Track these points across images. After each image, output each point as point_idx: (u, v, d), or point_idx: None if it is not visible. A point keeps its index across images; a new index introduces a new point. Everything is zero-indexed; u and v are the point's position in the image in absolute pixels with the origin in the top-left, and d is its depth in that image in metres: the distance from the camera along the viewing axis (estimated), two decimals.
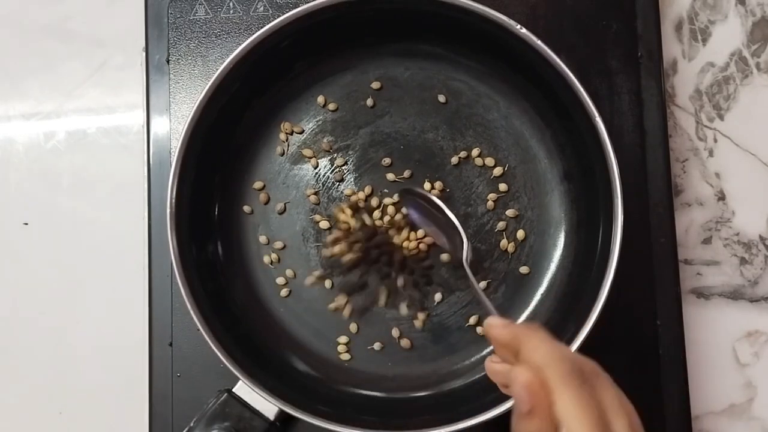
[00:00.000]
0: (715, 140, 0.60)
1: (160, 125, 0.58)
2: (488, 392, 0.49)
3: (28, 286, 0.61)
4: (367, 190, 0.57)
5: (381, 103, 0.58)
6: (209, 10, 0.59)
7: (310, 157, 0.58)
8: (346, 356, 0.56)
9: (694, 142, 0.60)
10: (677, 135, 0.60)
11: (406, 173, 0.57)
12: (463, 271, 0.50)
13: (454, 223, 0.52)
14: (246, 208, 0.58)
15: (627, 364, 0.55)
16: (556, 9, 0.58)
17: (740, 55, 0.61)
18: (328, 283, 0.56)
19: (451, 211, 0.57)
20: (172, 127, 0.58)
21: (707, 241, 0.59)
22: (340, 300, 0.56)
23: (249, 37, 0.52)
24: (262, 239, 0.58)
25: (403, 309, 0.56)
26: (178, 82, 0.59)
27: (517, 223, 0.57)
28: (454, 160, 0.57)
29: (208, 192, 0.57)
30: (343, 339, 0.56)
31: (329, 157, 0.58)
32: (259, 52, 0.52)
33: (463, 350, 0.56)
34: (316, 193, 0.58)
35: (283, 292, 0.57)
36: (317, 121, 0.59)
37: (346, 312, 0.56)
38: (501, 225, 0.57)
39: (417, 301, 0.56)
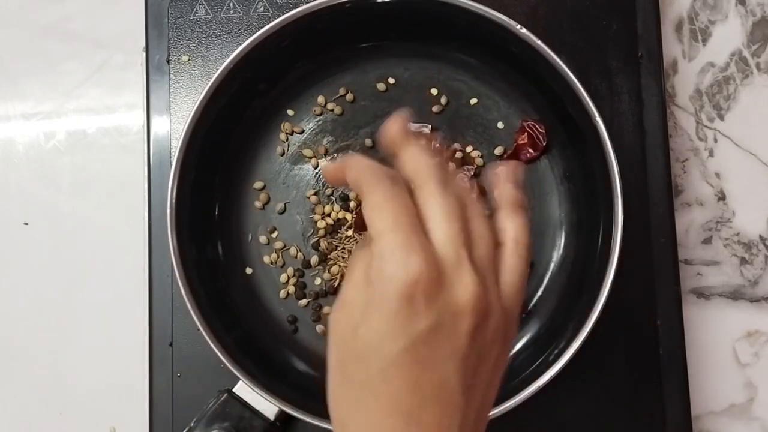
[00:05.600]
0: (715, 140, 0.60)
1: (160, 125, 0.58)
2: None
3: (28, 286, 0.61)
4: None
5: (381, 103, 0.58)
6: (209, 10, 0.59)
7: (310, 157, 0.58)
8: None
9: (694, 142, 0.60)
10: (677, 135, 0.60)
11: None
12: None
13: None
14: (246, 208, 0.58)
15: (627, 364, 0.55)
16: (556, 9, 0.58)
17: (740, 55, 0.61)
18: (335, 269, 0.57)
19: None
20: (172, 127, 0.58)
21: (707, 241, 0.59)
22: None
23: (249, 37, 0.52)
24: (262, 239, 0.58)
25: None
26: (178, 82, 0.59)
27: None
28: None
29: (208, 192, 0.57)
30: None
31: (329, 157, 0.58)
32: (259, 52, 0.52)
33: None
34: (316, 193, 0.58)
35: (283, 292, 0.57)
36: (317, 121, 0.59)
37: None
38: None
39: None
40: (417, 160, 0.33)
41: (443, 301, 0.30)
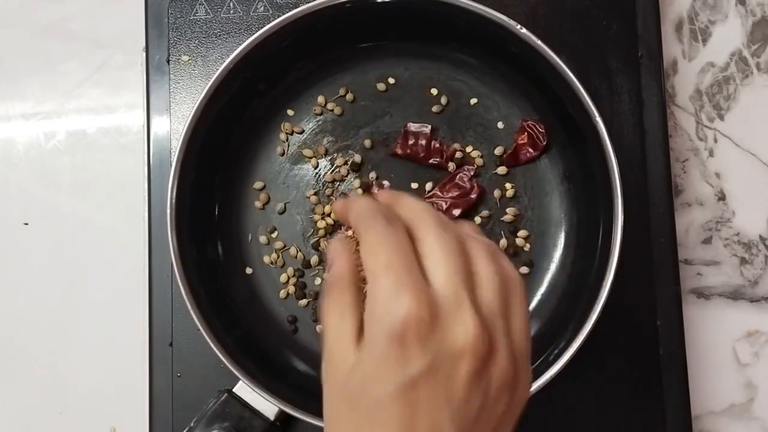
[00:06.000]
0: (715, 140, 0.60)
1: (160, 125, 0.58)
2: None
3: (28, 286, 0.61)
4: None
5: (381, 103, 0.58)
6: (209, 10, 0.59)
7: (310, 157, 0.58)
8: None
9: (694, 142, 0.60)
10: (677, 135, 0.60)
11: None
12: None
13: None
14: (246, 208, 0.58)
15: (627, 364, 0.55)
16: (556, 9, 0.58)
17: (740, 55, 0.61)
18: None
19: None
20: (172, 127, 0.58)
21: (707, 241, 0.59)
22: None
23: (249, 37, 0.52)
24: (262, 239, 0.58)
25: None
26: (178, 82, 0.59)
27: (517, 223, 0.57)
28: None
29: (208, 192, 0.57)
30: None
31: (329, 157, 0.58)
32: (259, 52, 0.52)
33: None
34: (316, 193, 0.58)
35: (283, 292, 0.57)
36: (317, 121, 0.59)
37: None
38: (501, 225, 0.57)
39: None
40: (414, 205, 0.33)
41: (438, 343, 0.29)
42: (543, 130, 0.56)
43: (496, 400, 0.30)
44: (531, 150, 0.56)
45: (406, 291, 0.29)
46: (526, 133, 0.56)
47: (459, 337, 0.29)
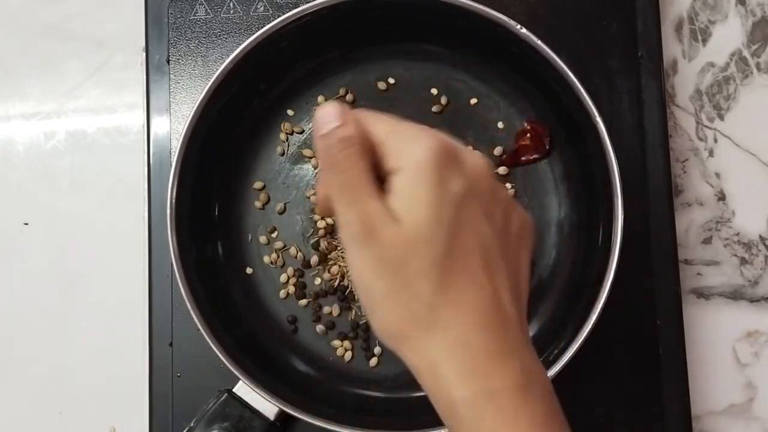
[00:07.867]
0: (715, 140, 0.60)
1: (160, 125, 0.58)
2: None
3: (28, 286, 0.61)
4: None
5: (381, 103, 0.58)
6: (209, 10, 0.59)
7: (310, 157, 0.58)
8: (346, 356, 0.56)
9: (694, 142, 0.60)
10: (677, 135, 0.60)
11: None
12: None
13: None
14: (246, 208, 0.58)
15: (627, 364, 0.55)
16: (556, 9, 0.58)
17: (740, 55, 0.61)
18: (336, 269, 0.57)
19: None
20: (172, 127, 0.58)
21: (707, 241, 0.59)
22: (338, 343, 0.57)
23: (249, 37, 0.52)
24: (262, 239, 0.58)
25: None
26: (178, 82, 0.59)
27: None
28: None
29: (208, 192, 0.57)
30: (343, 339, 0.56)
31: None
32: (259, 52, 0.52)
33: None
34: (316, 193, 0.58)
35: (283, 292, 0.57)
36: None
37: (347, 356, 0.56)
38: None
39: None
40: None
41: (464, 166, 0.32)
42: (547, 135, 0.56)
43: (508, 216, 0.34)
44: (534, 153, 0.56)
45: (426, 130, 0.32)
46: (528, 135, 0.56)
47: (476, 160, 0.33)
